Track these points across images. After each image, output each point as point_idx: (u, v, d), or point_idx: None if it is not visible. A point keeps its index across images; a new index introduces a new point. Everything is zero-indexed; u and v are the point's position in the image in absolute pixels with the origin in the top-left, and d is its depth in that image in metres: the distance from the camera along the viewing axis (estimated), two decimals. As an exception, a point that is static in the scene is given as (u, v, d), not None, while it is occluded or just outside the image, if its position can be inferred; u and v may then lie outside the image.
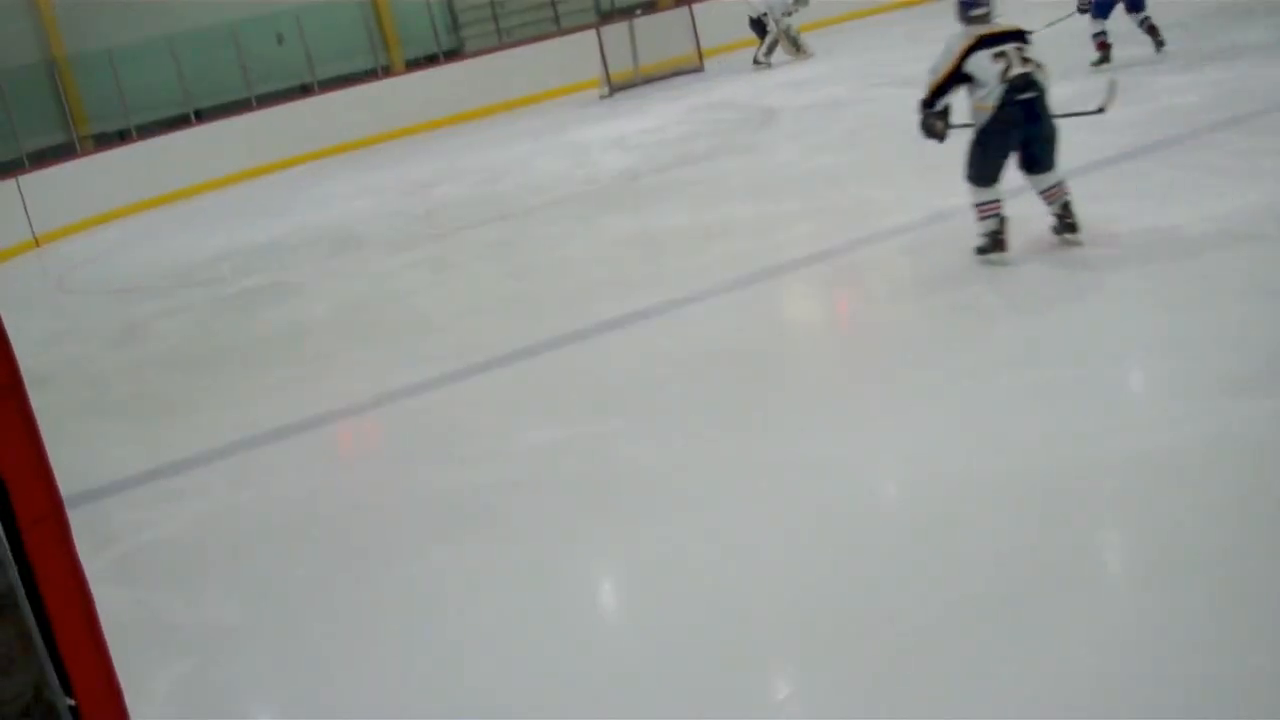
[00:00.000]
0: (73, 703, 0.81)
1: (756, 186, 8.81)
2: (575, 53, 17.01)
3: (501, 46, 18.29)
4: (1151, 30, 9.54)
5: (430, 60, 18.04)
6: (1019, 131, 5.39)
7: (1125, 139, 7.53)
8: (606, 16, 18.86)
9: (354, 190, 12.78)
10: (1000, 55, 5.37)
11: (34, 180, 14.24)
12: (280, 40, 17.45)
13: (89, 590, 0.88)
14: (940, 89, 5.59)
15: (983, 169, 5.49)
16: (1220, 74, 8.85)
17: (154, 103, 16.40)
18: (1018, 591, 3.06)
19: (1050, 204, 5.52)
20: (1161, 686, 2.61)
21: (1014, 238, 5.61)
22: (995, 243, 5.53)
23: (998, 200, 5.50)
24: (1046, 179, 5.50)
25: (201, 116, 16.51)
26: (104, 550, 4.54)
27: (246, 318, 8.20)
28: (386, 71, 18.28)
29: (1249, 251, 5.21)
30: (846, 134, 9.94)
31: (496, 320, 6.71)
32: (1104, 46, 9.79)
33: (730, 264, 6.74)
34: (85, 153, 15.78)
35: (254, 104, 16.57)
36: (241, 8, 16.99)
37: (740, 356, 5.30)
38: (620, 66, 16.64)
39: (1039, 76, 5.40)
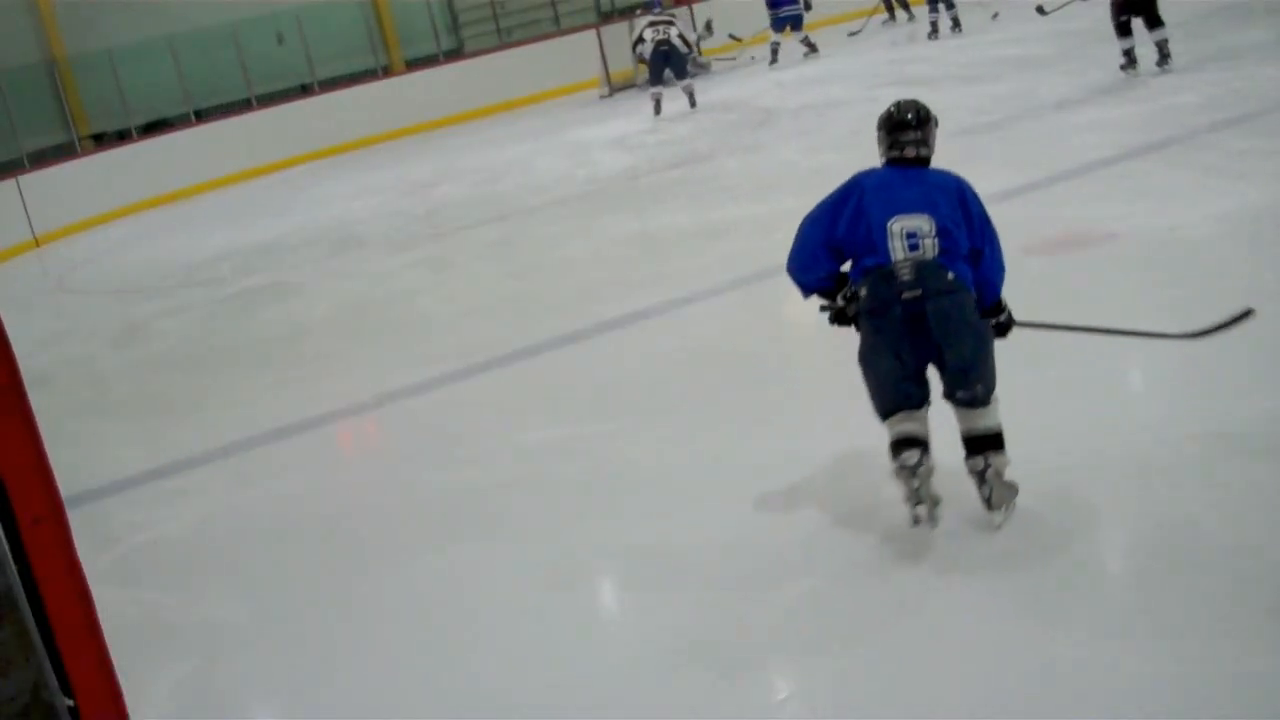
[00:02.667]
0: (72, 703, 0.81)
1: (756, 186, 8.81)
2: (575, 53, 17.00)
3: (501, 46, 18.27)
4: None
5: (430, 60, 18.02)
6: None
7: (1125, 139, 7.53)
8: (606, 16, 18.84)
9: (354, 190, 12.77)
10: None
11: (34, 180, 14.22)
12: (280, 40, 17.43)
13: (89, 590, 0.88)
14: None
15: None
16: (1220, 74, 8.85)
17: (154, 103, 16.39)
18: (1018, 591, 3.06)
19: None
20: (1161, 686, 2.61)
21: (1013, 239, 5.59)
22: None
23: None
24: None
25: (201, 116, 16.49)
26: (104, 550, 4.53)
27: (246, 318, 8.20)
28: (386, 71, 18.27)
29: (1249, 251, 5.21)
30: (847, 134, 9.94)
31: (496, 320, 6.71)
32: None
33: (730, 264, 6.73)
34: (85, 153, 15.76)
35: (254, 104, 16.56)
36: (241, 8, 16.97)
37: (740, 356, 5.30)
38: (620, 66, 16.63)
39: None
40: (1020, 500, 3.38)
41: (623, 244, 8.16)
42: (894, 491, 3.42)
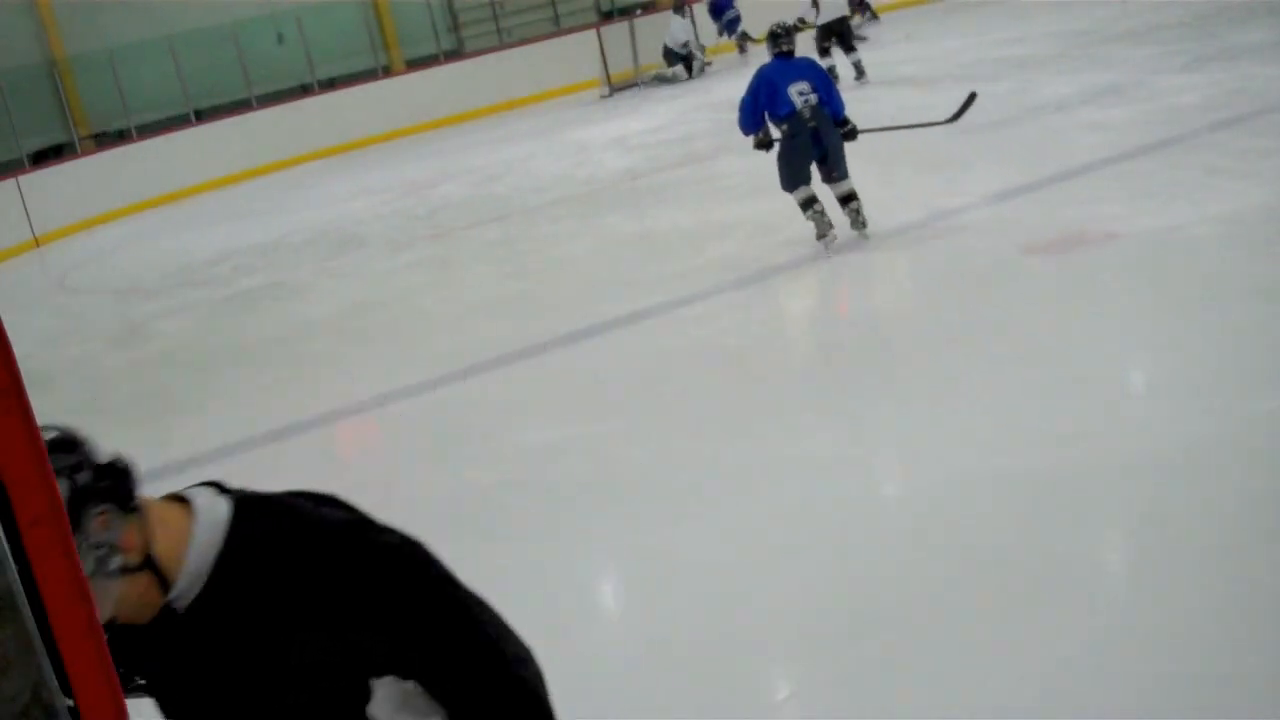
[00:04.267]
0: (72, 703, 0.81)
1: (756, 186, 8.79)
2: (575, 53, 17.00)
3: (501, 46, 18.28)
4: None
5: (430, 60, 18.03)
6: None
7: (1125, 139, 7.54)
8: (606, 16, 18.84)
9: (354, 190, 12.77)
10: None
11: (34, 180, 14.23)
12: (280, 40, 17.44)
13: (89, 591, 0.88)
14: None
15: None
16: (1220, 74, 8.85)
17: (154, 103, 16.38)
18: (1018, 591, 3.06)
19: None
20: (1161, 686, 2.61)
21: (1013, 239, 5.61)
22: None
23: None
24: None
25: (201, 116, 16.49)
26: (104, 550, 4.53)
27: (246, 318, 8.20)
28: (386, 71, 18.27)
29: (1249, 251, 5.21)
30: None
31: (496, 320, 6.71)
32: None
33: (730, 264, 6.74)
34: (85, 153, 15.77)
35: (254, 104, 16.56)
36: (241, 8, 16.98)
37: (740, 356, 5.30)
38: (620, 67, 16.65)
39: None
40: (1019, 500, 3.39)
41: (623, 244, 8.16)
42: (893, 488, 3.42)
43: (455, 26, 19.16)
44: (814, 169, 6.42)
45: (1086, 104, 8.88)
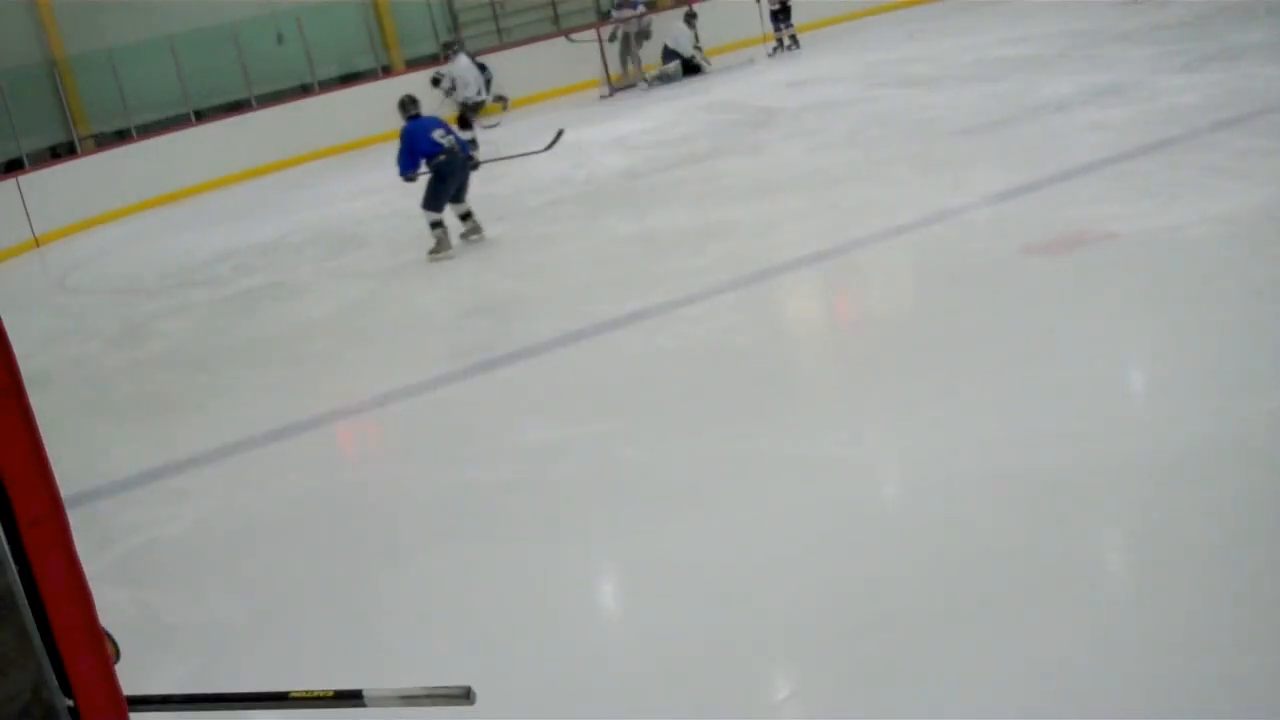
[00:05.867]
0: (72, 703, 0.81)
1: (756, 186, 8.81)
2: (575, 53, 17.00)
3: (501, 46, 18.27)
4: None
5: (430, 60, 18.01)
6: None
7: (1125, 139, 7.54)
8: (606, 16, 18.83)
9: (354, 190, 12.76)
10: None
11: (34, 180, 14.22)
12: (280, 40, 17.42)
13: (89, 590, 0.88)
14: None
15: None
16: (1220, 74, 8.85)
17: (154, 103, 16.36)
18: (1019, 591, 3.06)
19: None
20: (1161, 686, 2.61)
21: (1013, 239, 5.60)
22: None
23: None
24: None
25: (201, 116, 16.47)
26: (104, 550, 4.53)
27: (246, 318, 8.20)
28: (386, 71, 18.26)
29: (1249, 252, 5.21)
30: (846, 134, 9.94)
31: (497, 320, 6.71)
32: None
33: (730, 264, 6.74)
34: (85, 153, 15.75)
35: (254, 104, 16.55)
36: (241, 8, 16.96)
37: (740, 356, 5.30)
38: (620, 67, 16.66)
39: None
40: (1018, 499, 3.39)
41: (623, 244, 8.16)
42: (893, 488, 3.42)
43: (455, 26, 19.14)
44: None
45: (1087, 104, 8.88)
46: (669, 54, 16.31)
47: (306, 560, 4.17)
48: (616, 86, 16.45)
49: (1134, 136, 7.53)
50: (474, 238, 8.70)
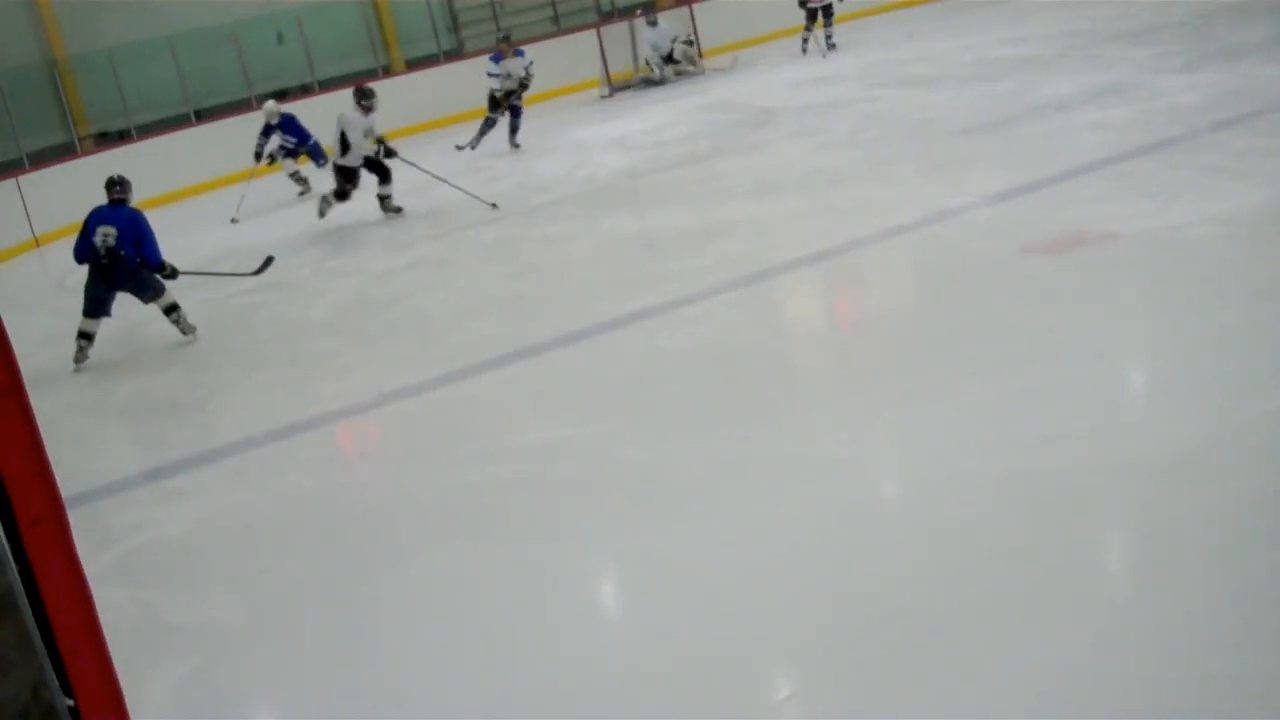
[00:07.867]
0: (72, 703, 0.81)
1: (756, 186, 8.81)
2: (575, 53, 16.99)
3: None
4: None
5: (430, 60, 18.01)
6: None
7: (1125, 139, 7.53)
8: (606, 16, 18.83)
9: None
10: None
11: (34, 180, 14.21)
12: (280, 40, 17.43)
13: (89, 590, 0.88)
14: None
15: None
16: (1220, 74, 8.85)
17: (154, 103, 16.37)
18: (1019, 591, 3.06)
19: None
20: (1161, 686, 2.61)
21: (1013, 239, 5.60)
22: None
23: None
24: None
25: (201, 116, 16.47)
26: (104, 550, 4.53)
27: (246, 318, 8.20)
28: (386, 71, 18.26)
29: (1249, 251, 5.21)
30: (847, 134, 9.94)
31: (496, 320, 6.71)
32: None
33: (730, 264, 6.73)
34: (85, 153, 15.74)
35: (254, 104, 16.52)
36: (241, 8, 16.96)
37: (740, 356, 5.30)
38: (620, 67, 16.65)
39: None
40: (1017, 499, 3.39)
41: (623, 244, 8.16)
42: (893, 488, 3.42)
43: (455, 26, 19.15)
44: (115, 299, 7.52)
45: (1087, 104, 8.88)
46: (655, 57, 16.40)
47: (306, 560, 4.17)
48: (616, 86, 16.45)
49: (1134, 136, 7.53)
50: (187, 334, 7.64)
